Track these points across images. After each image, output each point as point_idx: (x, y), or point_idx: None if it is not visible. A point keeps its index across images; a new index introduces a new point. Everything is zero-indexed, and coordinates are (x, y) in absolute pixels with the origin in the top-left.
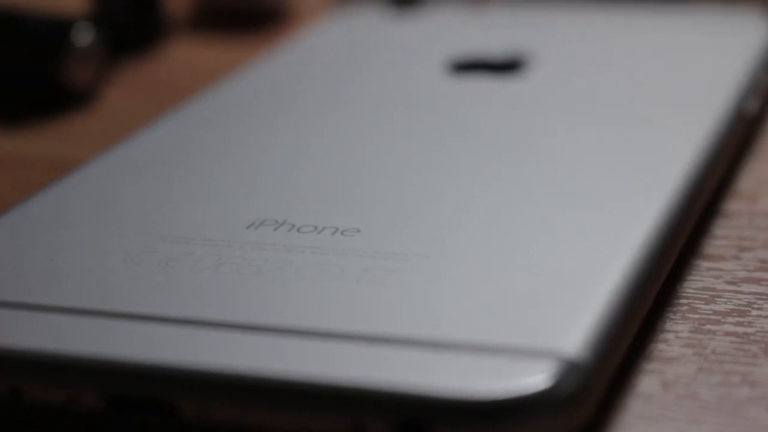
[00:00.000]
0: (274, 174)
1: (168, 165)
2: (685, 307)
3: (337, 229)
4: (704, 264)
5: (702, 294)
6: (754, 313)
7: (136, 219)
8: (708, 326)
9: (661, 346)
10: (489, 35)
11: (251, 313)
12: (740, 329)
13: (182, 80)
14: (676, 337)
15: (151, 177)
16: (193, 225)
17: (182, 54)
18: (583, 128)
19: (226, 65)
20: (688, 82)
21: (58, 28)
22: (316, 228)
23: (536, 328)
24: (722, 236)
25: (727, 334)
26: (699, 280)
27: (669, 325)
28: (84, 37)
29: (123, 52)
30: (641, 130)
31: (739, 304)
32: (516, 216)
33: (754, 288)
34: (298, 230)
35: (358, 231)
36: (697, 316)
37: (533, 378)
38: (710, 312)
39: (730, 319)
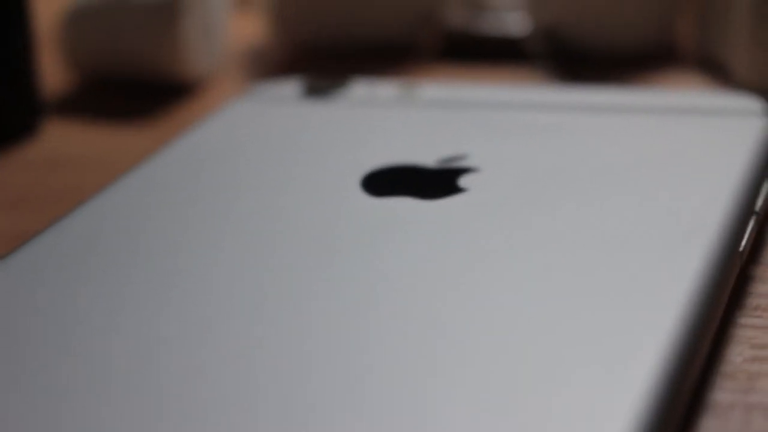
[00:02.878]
0: (128, 368)
1: None
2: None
3: None
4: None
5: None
6: None
7: None
8: None
9: None
10: (420, 136)
11: None
12: None
13: (53, 185)
14: None
15: None
16: None
17: (58, 146)
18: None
19: (110, 158)
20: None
21: None
22: None
23: None
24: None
25: None
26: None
27: None
28: None
29: None
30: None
31: None
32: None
33: None
34: None
35: None
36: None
37: None
38: None
39: None
